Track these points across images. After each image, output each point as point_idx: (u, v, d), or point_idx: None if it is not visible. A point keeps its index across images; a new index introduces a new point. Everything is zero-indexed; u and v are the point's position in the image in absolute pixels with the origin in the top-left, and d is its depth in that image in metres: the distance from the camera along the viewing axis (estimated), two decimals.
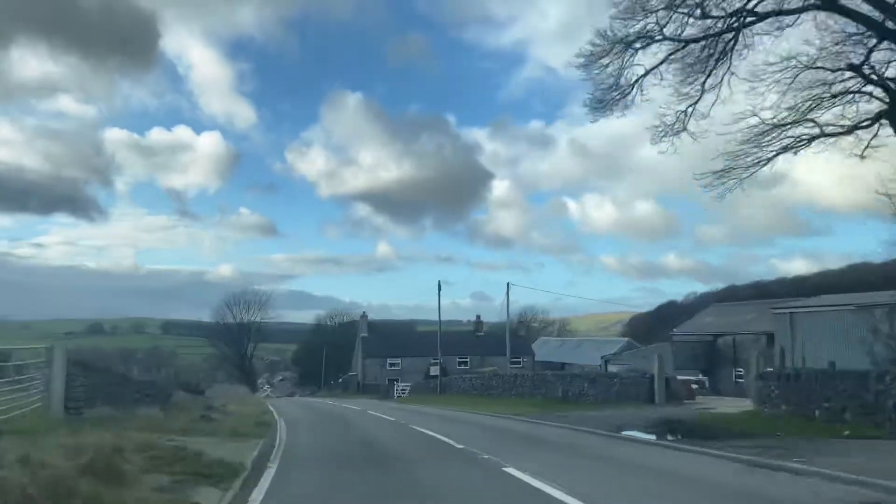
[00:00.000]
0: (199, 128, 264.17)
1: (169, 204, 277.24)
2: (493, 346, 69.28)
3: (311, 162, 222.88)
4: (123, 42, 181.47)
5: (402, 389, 61.64)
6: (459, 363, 70.74)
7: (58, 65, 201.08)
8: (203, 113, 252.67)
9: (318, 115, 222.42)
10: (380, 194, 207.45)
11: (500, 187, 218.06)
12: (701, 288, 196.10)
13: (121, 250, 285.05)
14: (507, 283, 57.68)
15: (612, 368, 46.69)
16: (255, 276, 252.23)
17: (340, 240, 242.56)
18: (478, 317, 77.00)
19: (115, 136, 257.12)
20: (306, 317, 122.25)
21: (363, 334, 72.77)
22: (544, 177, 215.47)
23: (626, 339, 70.59)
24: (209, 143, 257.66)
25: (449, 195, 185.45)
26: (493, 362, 69.12)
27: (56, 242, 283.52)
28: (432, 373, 69.60)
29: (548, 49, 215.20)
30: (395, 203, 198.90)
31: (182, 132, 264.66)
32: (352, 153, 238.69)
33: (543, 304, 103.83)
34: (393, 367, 71.20)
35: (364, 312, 73.67)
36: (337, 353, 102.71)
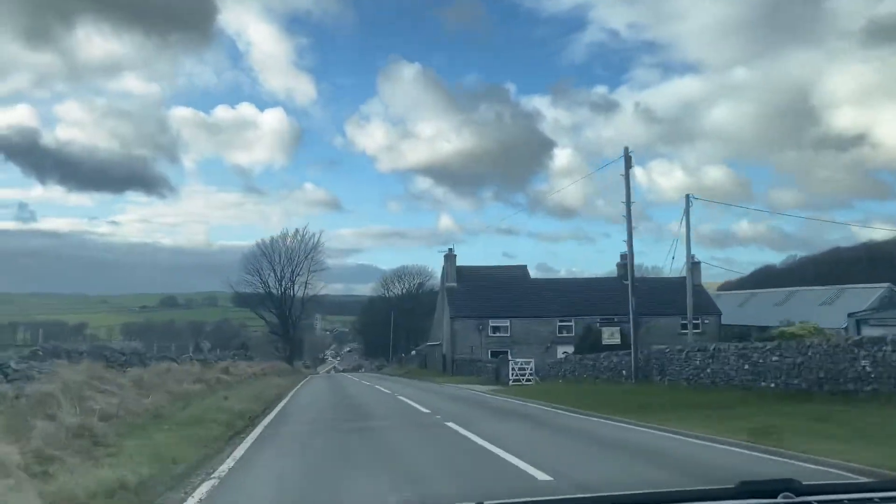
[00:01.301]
0: (261, 104, 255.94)
1: (236, 180, 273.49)
2: (650, 302, 42.17)
3: (370, 135, 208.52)
4: (183, 19, 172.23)
5: (520, 370, 35.41)
6: (602, 324, 43.68)
7: (122, 43, 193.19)
8: (264, 89, 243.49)
9: (376, 88, 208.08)
10: (439, 167, 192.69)
11: (562, 156, 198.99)
12: (773, 258, 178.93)
13: (193, 227, 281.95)
14: (687, 197, 30.73)
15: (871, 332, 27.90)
16: (323, 252, 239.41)
17: (402, 213, 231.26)
18: (623, 256, 49.35)
19: (180, 114, 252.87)
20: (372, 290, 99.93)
21: (450, 283, 46.57)
22: (608, 143, 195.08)
23: (886, 284, 41.09)
24: (272, 120, 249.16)
25: (509, 165, 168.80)
26: (655, 325, 41.90)
27: (132, 220, 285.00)
28: (559, 344, 43.00)
29: (609, 11, 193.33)
30: (455, 175, 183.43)
31: (246, 109, 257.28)
32: (410, 125, 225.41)
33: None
34: (498, 334, 44.78)
35: (450, 249, 47.69)
36: (408, 320, 78.24)
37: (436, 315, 53.62)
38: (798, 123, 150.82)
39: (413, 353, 75.61)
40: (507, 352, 44.01)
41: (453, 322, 44.39)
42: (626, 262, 49.55)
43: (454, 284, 46.58)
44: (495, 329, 45.02)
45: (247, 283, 59.06)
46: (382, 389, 27.66)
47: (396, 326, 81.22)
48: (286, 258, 60.15)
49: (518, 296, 45.90)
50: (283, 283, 60.31)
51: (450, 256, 47.71)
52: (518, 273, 47.90)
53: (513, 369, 36.40)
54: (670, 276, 45.78)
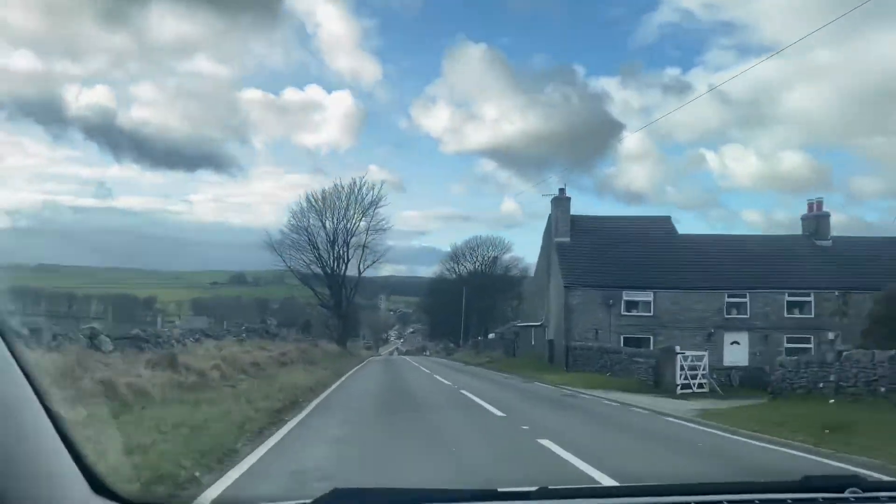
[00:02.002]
0: (328, 86, 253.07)
1: (303, 162, 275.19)
2: (852, 268, 26.68)
3: (435, 117, 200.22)
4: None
5: (690, 370, 21.00)
6: (791, 301, 28.39)
7: (194, 24, 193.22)
8: (331, 71, 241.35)
9: (441, 69, 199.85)
10: (504, 149, 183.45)
11: (631, 139, 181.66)
12: None
13: (262, 207, 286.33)
14: None
15: None
16: (388, 232, 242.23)
17: (466, 196, 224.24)
18: (812, 206, 33.54)
19: (250, 95, 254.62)
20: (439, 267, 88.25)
21: (561, 238, 31.89)
22: (680, 127, 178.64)
23: None
24: (339, 102, 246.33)
25: (576, 148, 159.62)
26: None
27: (204, 199, 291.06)
28: (727, 329, 28.46)
29: None
30: (519, 158, 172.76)
31: (313, 91, 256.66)
32: (475, 107, 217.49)
33: None
34: (634, 313, 30.04)
35: (561, 190, 32.86)
36: (479, 299, 64.68)
37: (525, 286, 39.22)
38: (885, 107, 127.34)
39: (491, 336, 61.71)
40: (648, 338, 29.23)
41: (569, 294, 29.80)
42: (814, 214, 33.67)
43: (567, 240, 31.90)
44: (631, 305, 30.18)
45: (292, 244, 46.58)
46: (491, 409, 13.71)
47: (468, 306, 67.55)
48: (339, 214, 47.24)
49: (663, 258, 30.80)
50: (336, 244, 47.49)
51: (560, 200, 32.96)
52: (661, 226, 32.69)
53: (682, 368, 21.93)
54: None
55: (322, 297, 48.42)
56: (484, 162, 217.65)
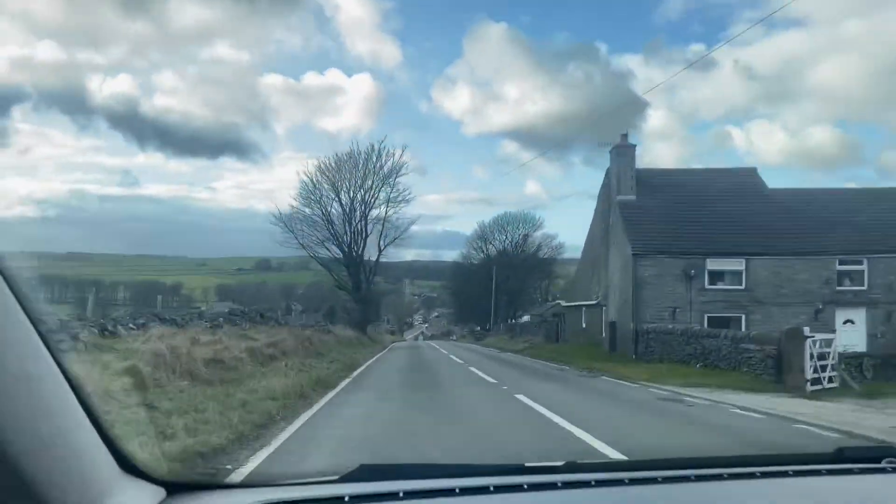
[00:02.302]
0: (348, 70, 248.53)
1: (325, 146, 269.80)
2: None
3: (456, 99, 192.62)
4: None
5: (819, 358, 14.70)
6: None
7: (212, 10, 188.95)
8: (350, 54, 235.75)
9: (462, 50, 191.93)
10: (526, 130, 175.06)
11: (655, 117, 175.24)
12: None
13: (285, 192, 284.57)
14: None
15: None
16: (411, 217, 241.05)
17: (489, 179, 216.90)
18: None
19: (270, 81, 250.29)
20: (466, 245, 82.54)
21: (626, 196, 25.66)
22: (705, 104, 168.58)
23: None
24: (360, 85, 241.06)
25: (600, 127, 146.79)
26: None
27: (228, 186, 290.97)
28: (840, 305, 22.17)
29: None
30: (542, 138, 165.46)
31: (334, 75, 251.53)
32: (496, 88, 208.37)
33: None
34: (721, 285, 23.88)
35: (624, 135, 26.52)
36: (510, 280, 59.27)
37: (582, 256, 33.46)
38: None
39: (525, 318, 55.82)
40: (739, 317, 23.19)
41: (637, 263, 23.64)
42: None
43: (632, 198, 25.65)
44: (716, 277, 23.93)
45: (304, 219, 41.01)
46: (569, 427, 7.66)
47: (497, 287, 61.76)
48: (356, 184, 41.49)
49: (755, 219, 24.44)
50: (353, 219, 41.85)
51: (623, 150, 26.56)
52: (746, 179, 26.23)
53: (811, 356, 16.12)
54: None
55: (339, 278, 42.86)
56: (506, 143, 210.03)
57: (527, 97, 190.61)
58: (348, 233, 41.44)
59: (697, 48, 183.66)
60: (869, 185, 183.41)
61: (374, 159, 41.29)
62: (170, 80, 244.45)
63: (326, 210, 41.18)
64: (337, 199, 41.13)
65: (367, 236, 41.63)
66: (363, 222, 41.93)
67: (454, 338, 79.39)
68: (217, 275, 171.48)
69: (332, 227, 41.28)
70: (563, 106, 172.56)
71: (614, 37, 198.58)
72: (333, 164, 41.40)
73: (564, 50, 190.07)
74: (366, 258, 42.33)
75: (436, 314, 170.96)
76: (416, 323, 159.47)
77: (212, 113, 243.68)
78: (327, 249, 42.12)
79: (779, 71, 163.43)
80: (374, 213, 42.20)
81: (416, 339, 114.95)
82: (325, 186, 41.02)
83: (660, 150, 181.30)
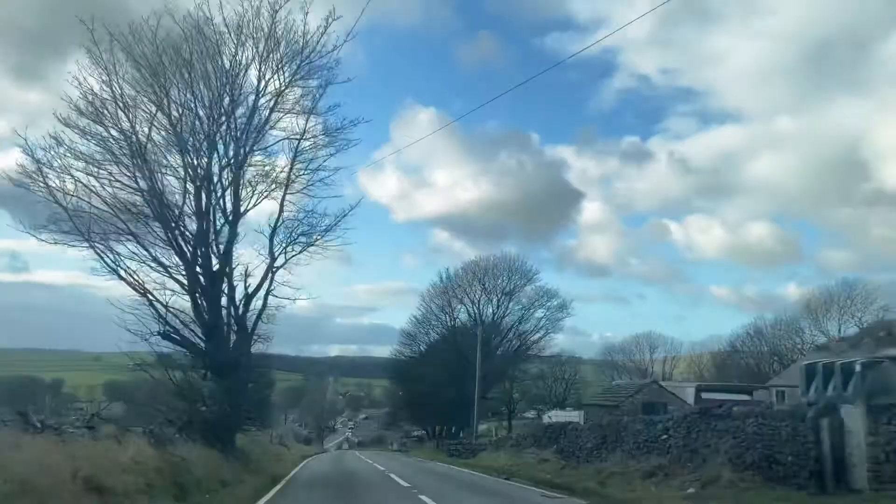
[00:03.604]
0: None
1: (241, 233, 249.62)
2: None
3: (383, 184, 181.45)
4: None
5: None
6: None
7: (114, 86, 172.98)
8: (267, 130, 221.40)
9: (389, 134, 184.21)
10: (458, 218, 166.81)
11: (590, 208, 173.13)
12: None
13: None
14: None
15: None
16: (335, 309, 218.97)
17: (420, 268, 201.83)
18: None
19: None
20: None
21: None
22: (641, 196, 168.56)
23: None
24: (277, 164, 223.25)
25: (533, 217, 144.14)
26: None
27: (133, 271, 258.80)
28: None
29: (640, 55, 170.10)
30: (474, 227, 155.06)
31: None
32: (426, 174, 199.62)
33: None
34: None
35: None
36: (458, 379, 40.73)
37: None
38: (848, 177, 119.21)
39: (530, 415, 36.71)
40: None
41: None
42: None
43: None
44: None
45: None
46: None
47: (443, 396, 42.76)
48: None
49: None
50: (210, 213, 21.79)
51: None
52: None
53: None
54: None
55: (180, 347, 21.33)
56: (436, 231, 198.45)
57: (458, 184, 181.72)
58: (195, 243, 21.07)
59: (632, 140, 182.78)
60: (807, 282, 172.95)
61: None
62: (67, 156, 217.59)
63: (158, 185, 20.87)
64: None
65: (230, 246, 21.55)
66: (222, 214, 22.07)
67: (394, 446, 57.08)
68: (111, 370, 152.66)
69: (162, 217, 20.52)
70: (496, 194, 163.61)
71: (546, 126, 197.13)
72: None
73: (496, 137, 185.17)
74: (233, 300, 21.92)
75: (364, 416, 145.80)
76: (339, 426, 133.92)
77: (114, 193, 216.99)
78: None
79: (715, 165, 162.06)
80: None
81: (339, 446, 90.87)
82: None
83: (596, 244, 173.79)
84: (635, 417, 19.81)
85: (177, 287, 19.53)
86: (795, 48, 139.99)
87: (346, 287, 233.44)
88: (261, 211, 22.49)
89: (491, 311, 47.01)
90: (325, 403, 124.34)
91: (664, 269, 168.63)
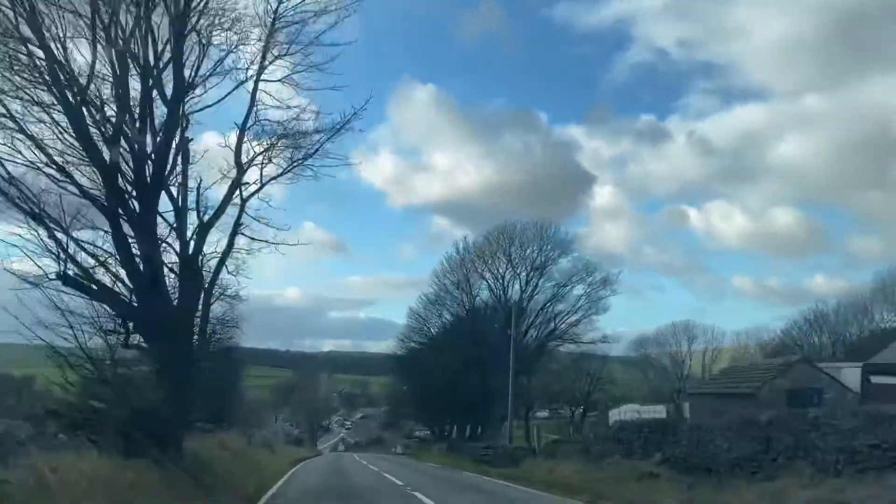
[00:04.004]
0: None
1: (227, 218, 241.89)
2: None
3: (379, 168, 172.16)
4: None
5: None
6: None
7: None
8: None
9: (385, 114, 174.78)
10: (459, 204, 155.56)
11: (602, 193, 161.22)
12: None
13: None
14: None
15: None
16: (329, 301, 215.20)
17: (419, 259, 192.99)
18: None
19: None
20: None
21: None
22: (657, 180, 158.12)
23: None
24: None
25: (541, 203, 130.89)
26: None
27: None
28: None
29: (657, 26, 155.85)
30: (476, 214, 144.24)
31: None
32: (425, 157, 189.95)
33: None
34: None
35: None
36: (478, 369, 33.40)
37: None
38: (881, 158, 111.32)
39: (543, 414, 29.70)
40: None
41: None
42: None
43: None
44: None
45: None
46: None
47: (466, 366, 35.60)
48: None
49: None
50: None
51: None
52: None
53: None
54: None
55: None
56: (437, 218, 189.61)
57: (459, 168, 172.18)
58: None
59: (647, 119, 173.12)
60: (834, 272, 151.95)
61: None
62: None
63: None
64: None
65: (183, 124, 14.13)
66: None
67: (398, 450, 49.82)
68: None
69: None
70: (500, 178, 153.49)
71: (555, 105, 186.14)
72: None
73: (501, 116, 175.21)
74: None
75: (361, 415, 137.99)
76: (334, 425, 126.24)
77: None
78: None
79: (737, 146, 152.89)
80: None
81: (335, 448, 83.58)
82: None
83: (608, 231, 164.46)
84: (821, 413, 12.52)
85: (84, 200, 12.09)
86: (825, 20, 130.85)
87: (340, 278, 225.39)
88: (224, 107, 14.76)
89: (518, 288, 39.57)
90: (318, 401, 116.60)
91: (682, 259, 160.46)
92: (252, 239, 14.56)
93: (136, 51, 12.25)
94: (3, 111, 11.02)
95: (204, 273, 14.10)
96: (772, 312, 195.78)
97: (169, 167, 13.05)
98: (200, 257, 13.85)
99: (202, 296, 14.20)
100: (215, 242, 14.14)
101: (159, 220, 13.27)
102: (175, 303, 13.29)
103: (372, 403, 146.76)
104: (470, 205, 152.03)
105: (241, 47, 13.64)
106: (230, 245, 14.25)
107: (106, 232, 12.40)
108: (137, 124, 12.36)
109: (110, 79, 12.22)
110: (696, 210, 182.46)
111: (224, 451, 18.14)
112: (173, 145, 13.02)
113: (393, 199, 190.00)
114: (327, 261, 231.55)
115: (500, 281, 39.72)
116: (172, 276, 13.59)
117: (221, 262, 14.40)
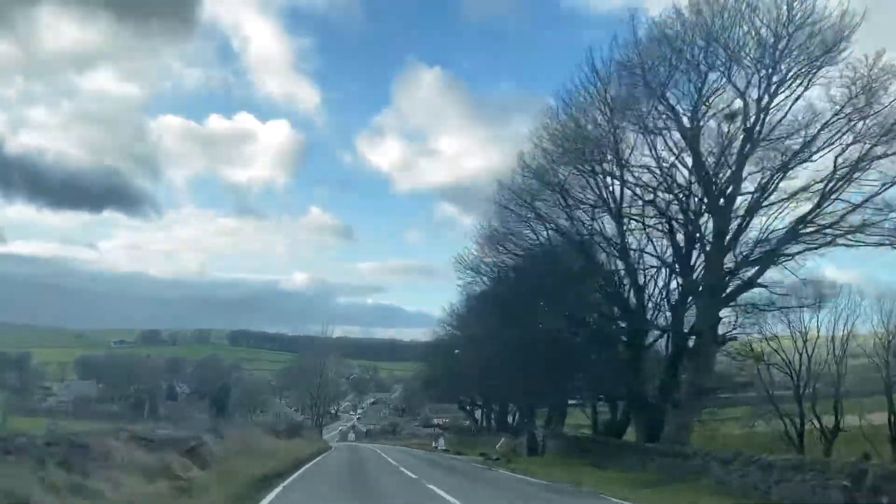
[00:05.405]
0: (260, 114, 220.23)
1: (231, 201, 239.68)
2: None
3: (384, 152, 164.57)
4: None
5: None
6: None
7: (91, 30, 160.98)
8: (262, 96, 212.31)
9: (391, 96, 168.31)
10: (466, 188, 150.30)
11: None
12: None
13: (184, 255, 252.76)
14: None
15: None
16: (336, 287, 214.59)
17: (425, 245, 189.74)
18: None
19: (166, 121, 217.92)
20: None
21: None
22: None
23: None
24: (274, 132, 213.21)
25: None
26: None
27: (117, 246, 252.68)
28: None
29: (669, 5, 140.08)
30: (484, 199, 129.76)
31: (243, 119, 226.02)
32: (431, 141, 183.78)
33: None
34: None
35: None
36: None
37: None
38: None
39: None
40: None
41: None
42: None
43: None
44: None
45: None
46: None
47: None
48: None
49: None
50: None
51: None
52: None
53: None
54: None
55: None
56: (443, 203, 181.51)
57: (466, 152, 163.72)
58: None
59: None
60: None
61: None
62: (41, 114, 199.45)
63: None
64: None
65: None
66: None
67: (440, 444, 37.02)
68: (93, 348, 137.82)
69: None
70: (508, 162, 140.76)
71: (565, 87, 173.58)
72: None
73: (509, 100, 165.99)
74: None
75: (372, 400, 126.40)
76: (342, 411, 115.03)
77: (90, 156, 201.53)
78: None
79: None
80: None
81: (345, 437, 71.84)
82: None
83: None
84: None
85: None
86: None
87: (349, 263, 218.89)
88: None
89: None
90: (327, 385, 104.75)
91: None
92: None
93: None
94: None
95: None
96: None
97: None
98: None
99: None
100: None
101: None
102: None
103: (381, 388, 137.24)
104: (477, 188, 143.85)
105: None
106: None
107: None
108: None
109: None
110: None
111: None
112: None
113: (398, 183, 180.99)
114: (333, 245, 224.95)
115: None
116: None
117: None
